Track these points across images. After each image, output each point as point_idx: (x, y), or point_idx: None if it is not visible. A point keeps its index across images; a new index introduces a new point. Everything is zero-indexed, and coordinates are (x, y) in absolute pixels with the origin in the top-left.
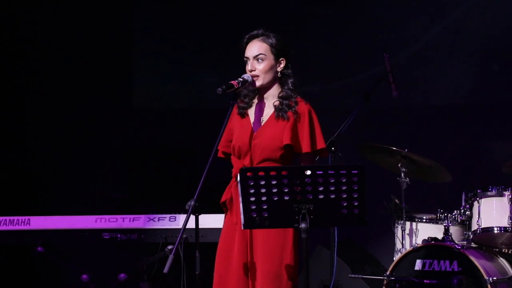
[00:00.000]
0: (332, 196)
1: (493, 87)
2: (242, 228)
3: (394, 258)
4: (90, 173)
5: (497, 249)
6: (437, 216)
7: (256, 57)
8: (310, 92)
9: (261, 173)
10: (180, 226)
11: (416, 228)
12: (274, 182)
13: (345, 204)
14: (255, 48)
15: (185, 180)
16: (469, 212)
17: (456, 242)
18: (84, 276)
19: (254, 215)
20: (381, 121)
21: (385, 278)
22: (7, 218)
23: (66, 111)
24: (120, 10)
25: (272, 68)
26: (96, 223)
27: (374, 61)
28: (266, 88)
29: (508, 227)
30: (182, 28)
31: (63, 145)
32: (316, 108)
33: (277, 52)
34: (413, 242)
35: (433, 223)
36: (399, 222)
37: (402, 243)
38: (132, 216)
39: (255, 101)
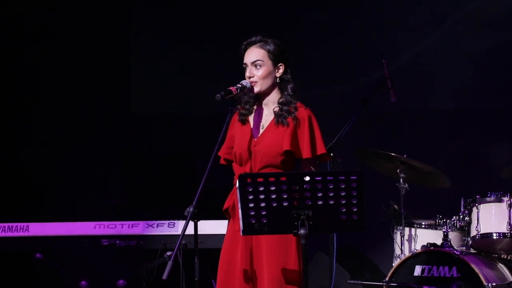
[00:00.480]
0: (331, 202)
1: (492, 92)
2: (241, 234)
3: (393, 264)
4: (89, 179)
5: (496, 255)
6: (436, 222)
7: (253, 63)
8: (309, 97)
9: (260, 179)
10: (179, 232)
11: (415, 234)
12: (273, 188)
13: (344, 210)
14: (253, 54)
15: (184, 185)
16: (468, 218)
17: (455, 248)
18: (83, 283)
19: (253, 221)
20: (380, 126)
21: (384, 284)
22: (6, 224)
23: (65, 114)
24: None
25: (270, 73)
26: (95, 230)
27: (373, 67)
28: (265, 94)
29: (507, 233)
30: (181, 33)
31: (62, 152)
32: (315, 113)
33: (275, 57)
34: (412, 248)
35: (432, 229)
36: (398, 228)
37: (401, 249)
38: (131, 222)
39: (255, 107)
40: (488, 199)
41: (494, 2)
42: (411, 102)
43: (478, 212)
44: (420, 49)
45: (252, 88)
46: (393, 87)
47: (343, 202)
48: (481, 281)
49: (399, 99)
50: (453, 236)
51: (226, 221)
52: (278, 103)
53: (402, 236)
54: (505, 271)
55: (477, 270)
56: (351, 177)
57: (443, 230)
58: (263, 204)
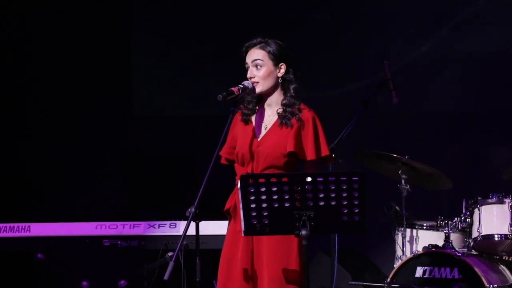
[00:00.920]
0: (333, 203)
1: (493, 93)
2: (243, 235)
3: (395, 265)
4: (89, 179)
5: (497, 257)
6: (437, 223)
7: (254, 64)
8: (309, 98)
9: (262, 180)
10: (181, 232)
11: (417, 235)
12: (274, 189)
13: (345, 211)
14: (253, 55)
15: (185, 186)
16: (469, 219)
17: (457, 249)
18: (85, 283)
19: (255, 222)
20: (382, 128)
21: (386, 285)
22: (8, 225)
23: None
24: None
25: (271, 73)
26: (97, 230)
27: (373, 68)
28: (267, 94)
29: (509, 235)
30: (181, 33)
31: (63, 152)
32: (316, 115)
33: (276, 57)
34: (414, 249)
35: (433, 230)
36: (400, 229)
37: (403, 250)
38: (132, 223)
39: (257, 107)
40: (489, 200)
41: (493, 3)
42: (412, 104)
43: (479, 213)
44: (420, 50)
45: (253, 88)
46: (395, 88)
47: (345, 203)
48: (482, 283)
49: (400, 101)
50: (454, 237)
51: (227, 222)
52: (282, 104)
53: (404, 237)
54: (507, 272)
55: (478, 272)
56: (353, 178)
57: (445, 231)
58: (264, 205)
